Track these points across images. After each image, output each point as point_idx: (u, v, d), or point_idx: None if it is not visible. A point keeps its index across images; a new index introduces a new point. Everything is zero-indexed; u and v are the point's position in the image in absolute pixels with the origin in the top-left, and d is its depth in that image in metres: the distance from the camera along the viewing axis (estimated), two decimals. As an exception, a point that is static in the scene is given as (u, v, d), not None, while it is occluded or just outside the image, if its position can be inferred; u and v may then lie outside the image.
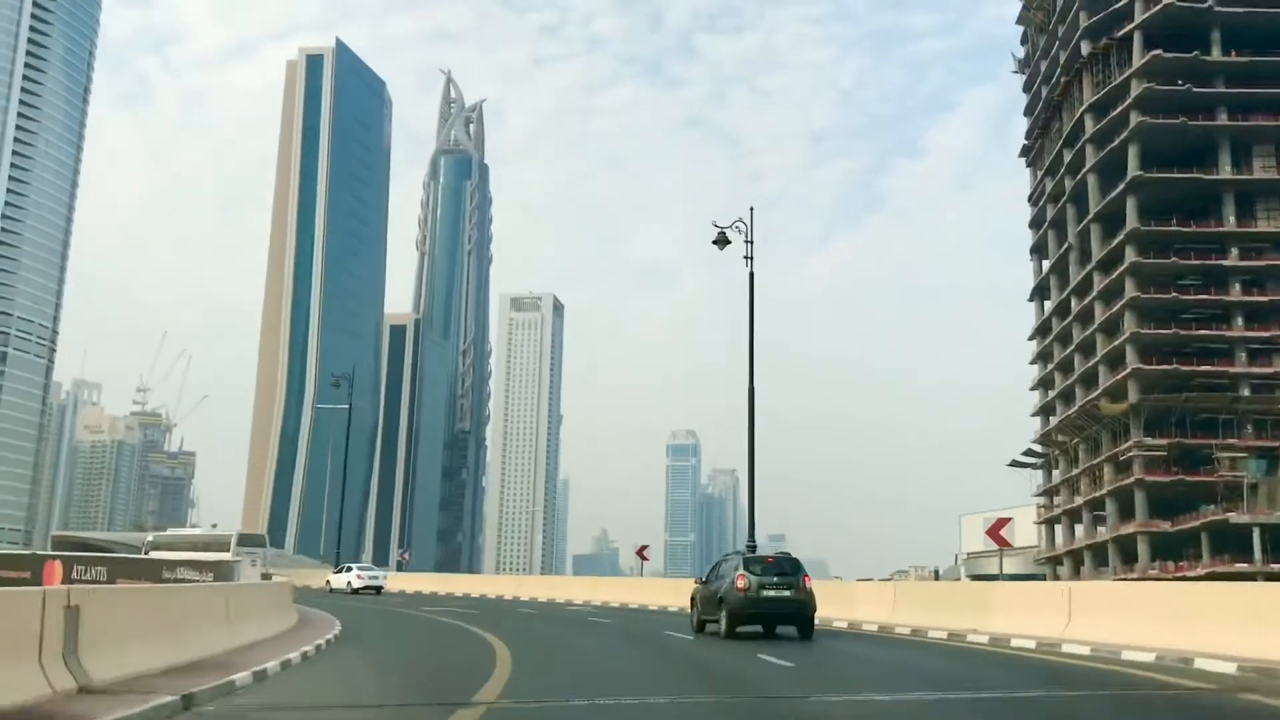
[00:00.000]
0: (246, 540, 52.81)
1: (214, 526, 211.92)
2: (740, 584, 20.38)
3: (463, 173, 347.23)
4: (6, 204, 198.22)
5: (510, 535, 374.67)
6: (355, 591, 46.82)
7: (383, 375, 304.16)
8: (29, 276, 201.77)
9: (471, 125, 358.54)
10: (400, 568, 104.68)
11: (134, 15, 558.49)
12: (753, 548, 27.75)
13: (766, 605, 20.54)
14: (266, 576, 42.87)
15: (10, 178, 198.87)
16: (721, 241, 29.79)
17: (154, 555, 50.55)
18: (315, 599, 34.27)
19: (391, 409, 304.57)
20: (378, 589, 47.41)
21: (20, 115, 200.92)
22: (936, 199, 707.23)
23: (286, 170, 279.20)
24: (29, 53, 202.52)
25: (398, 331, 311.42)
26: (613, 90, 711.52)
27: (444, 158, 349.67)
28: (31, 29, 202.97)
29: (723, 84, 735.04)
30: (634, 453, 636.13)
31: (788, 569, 21.02)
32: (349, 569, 50.08)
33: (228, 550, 48.58)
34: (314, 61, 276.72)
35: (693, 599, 23.56)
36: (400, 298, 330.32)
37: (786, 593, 20.50)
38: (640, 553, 49.97)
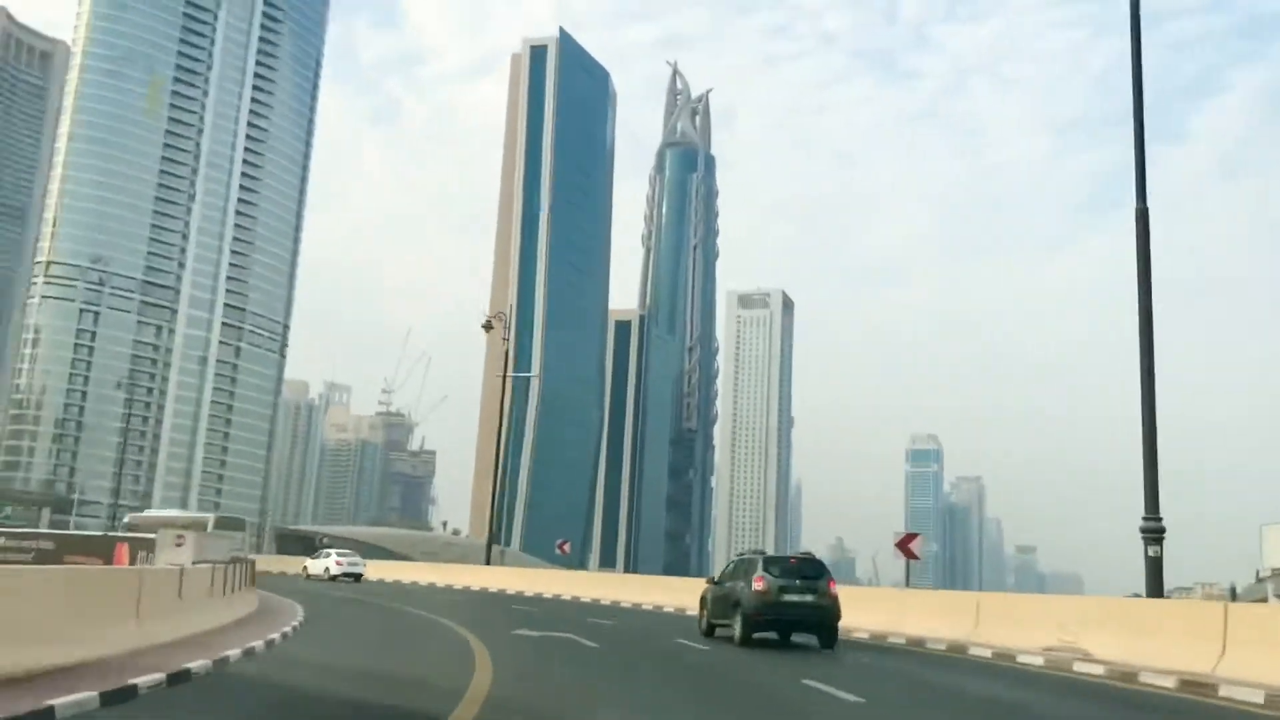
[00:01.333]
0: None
1: (444, 525, 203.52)
2: (759, 585, 18.64)
3: (689, 165, 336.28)
4: (238, 213, 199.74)
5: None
6: (334, 578, 45.68)
7: (608, 372, 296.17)
8: (261, 274, 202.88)
9: (698, 117, 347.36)
10: (582, 564, 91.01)
11: (383, 39, 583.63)
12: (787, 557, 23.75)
13: (787, 610, 18.75)
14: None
15: (242, 186, 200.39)
16: None
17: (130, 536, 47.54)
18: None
19: (617, 406, 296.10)
20: (356, 576, 46.61)
21: (250, 125, 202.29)
22: (1199, 188, 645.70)
23: (511, 164, 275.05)
24: (259, 61, 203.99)
25: (623, 328, 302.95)
26: (842, 85, 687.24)
27: (670, 150, 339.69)
28: (261, 40, 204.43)
29: (963, 75, 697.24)
30: (870, 457, 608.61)
31: (811, 571, 19.35)
32: (328, 554, 48.62)
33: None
34: (538, 52, 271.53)
35: (703, 599, 21.64)
36: (625, 294, 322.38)
37: (809, 597, 18.74)
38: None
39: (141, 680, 10.03)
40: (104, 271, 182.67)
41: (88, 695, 8.99)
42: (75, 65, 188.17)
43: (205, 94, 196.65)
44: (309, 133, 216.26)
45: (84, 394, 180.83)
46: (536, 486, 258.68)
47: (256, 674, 12.36)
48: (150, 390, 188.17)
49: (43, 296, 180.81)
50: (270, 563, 55.26)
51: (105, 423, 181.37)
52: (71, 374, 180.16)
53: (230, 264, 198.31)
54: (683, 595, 31.42)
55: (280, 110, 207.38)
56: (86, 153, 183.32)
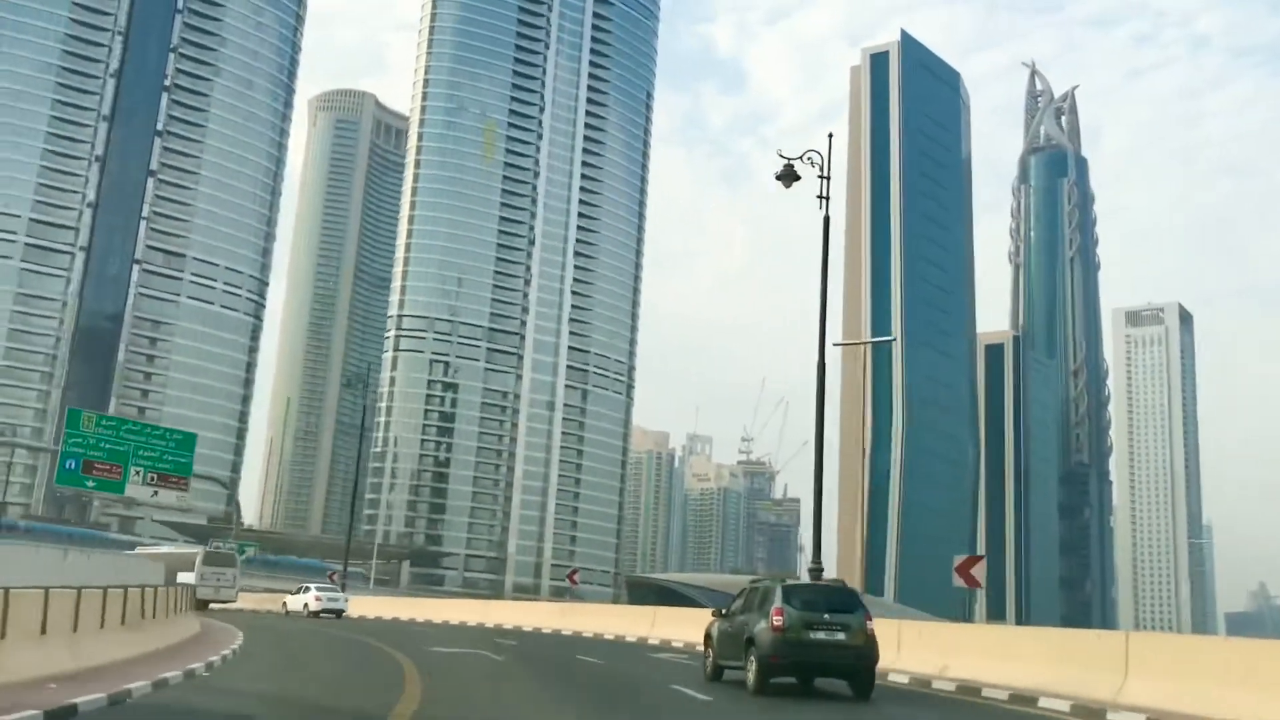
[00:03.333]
0: (214, 559, 45.04)
1: (810, 572, 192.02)
2: (777, 621, 15.02)
3: (1057, 169, 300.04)
4: (577, 254, 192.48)
5: (1149, 587, 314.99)
6: (314, 615, 42.97)
7: (980, 401, 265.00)
8: (603, 313, 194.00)
9: (1064, 116, 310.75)
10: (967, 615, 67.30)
11: (730, 103, 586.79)
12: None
13: (813, 652, 15.09)
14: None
15: (579, 227, 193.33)
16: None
17: None
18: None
19: (993, 438, 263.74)
20: (338, 613, 43.56)
21: (585, 164, 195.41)
22: None
23: (857, 187, 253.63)
24: (589, 100, 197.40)
25: (994, 351, 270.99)
26: (1222, 88, 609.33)
27: (1033, 157, 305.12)
28: (591, 80, 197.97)
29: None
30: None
31: (842, 603, 15.63)
32: (307, 589, 45.67)
33: (192, 568, 42.65)
34: (878, 60, 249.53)
35: (708, 636, 17.71)
36: (993, 315, 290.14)
37: (840, 635, 15.11)
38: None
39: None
40: (451, 321, 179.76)
41: None
42: (414, 124, 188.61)
43: (539, 136, 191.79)
44: (643, 171, 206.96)
45: (437, 444, 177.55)
46: (908, 529, 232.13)
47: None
48: (500, 438, 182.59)
49: (396, 350, 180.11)
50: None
51: (459, 472, 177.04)
52: (424, 425, 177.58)
53: (572, 305, 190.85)
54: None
55: (612, 153, 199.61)
56: (430, 204, 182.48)
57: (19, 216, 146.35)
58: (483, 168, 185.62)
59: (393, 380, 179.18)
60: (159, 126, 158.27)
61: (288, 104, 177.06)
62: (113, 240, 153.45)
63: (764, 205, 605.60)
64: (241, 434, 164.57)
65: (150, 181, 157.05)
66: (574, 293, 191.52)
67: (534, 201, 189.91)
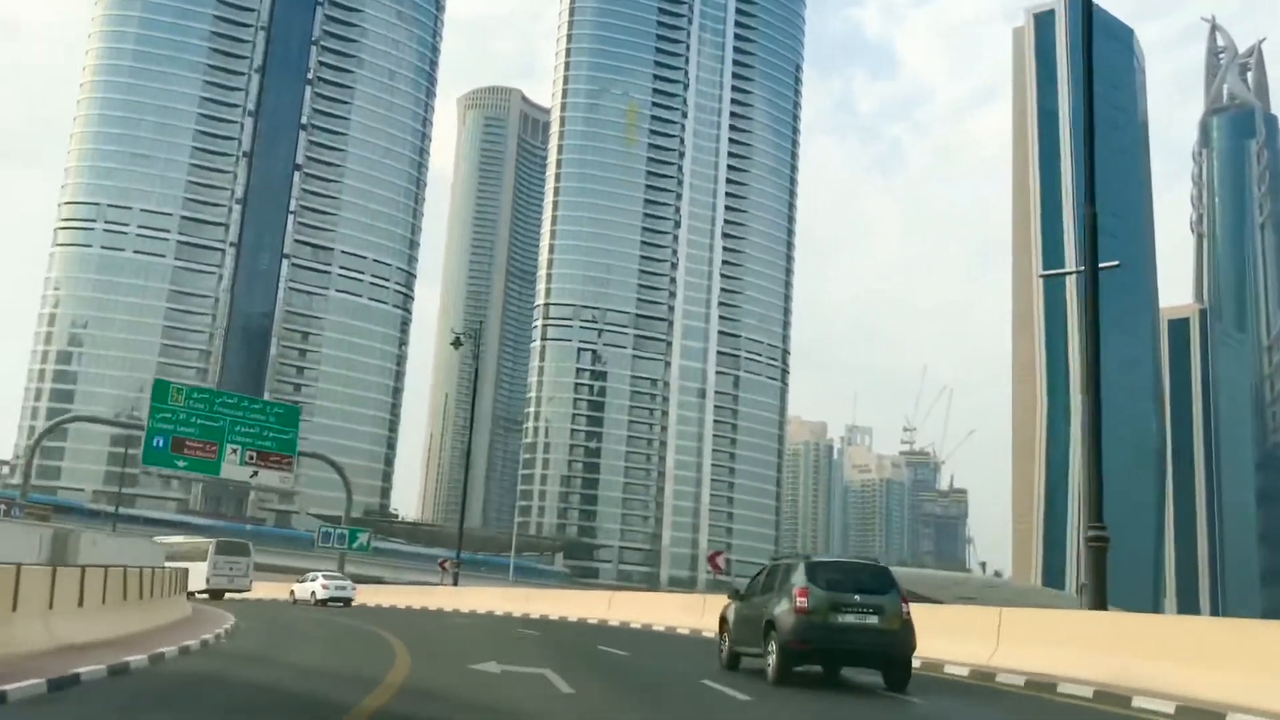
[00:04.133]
0: (227, 549, 42.22)
1: (983, 566, 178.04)
2: (801, 602, 13.28)
3: (1243, 130, 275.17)
4: (726, 234, 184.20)
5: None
6: (320, 603, 41.63)
7: (1165, 380, 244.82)
8: (754, 295, 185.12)
9: (1249, 73, 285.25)
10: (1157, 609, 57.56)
11: (881, 88, 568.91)
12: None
13: (841, 637, 13.25)
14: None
15: (727, 207, 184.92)
16: None
17: None
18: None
19: (1180, 421, 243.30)
20: (346, 601, 41.98)
21: (732, 140, 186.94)
22: None
23: (1024, 158, 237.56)
24: (735, 74, 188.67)
25: (1177, 327, 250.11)
26: None
27: (1216, 118, 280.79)
28: (736, 54, 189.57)
29: None
30: None
31: (874, 583, 13.69)
32: (314, 578, 43.80)
33: (204, 558, 40.67)
34: (1043, 20, 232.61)
35: (723, 621, 15.94)
36: (1176, 288, 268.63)
37: (872, 619, 13.27)
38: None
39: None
40: (598, 308, 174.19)
41: None
42: (555, 108, 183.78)
43: (684, 115, 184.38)
44: (793, 150, 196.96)
45: (587, 434, 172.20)
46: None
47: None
48: (651, 426, 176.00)
49: (544, 339, 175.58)
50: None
51: (610, 462, 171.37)
52: (574, 414, 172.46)
53: (721, 289, 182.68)
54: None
55: (760, 129, 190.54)
56: (573, 190, 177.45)
57: (171, 215, 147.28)
58: (626, 150, 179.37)
59: (541, 371, 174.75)
60: (303, 120, 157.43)
61: (430, 94, 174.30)
62: (262, 235, 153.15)
63: (919, 191, 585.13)
64: (394, 426, 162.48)
65: (296, 175, 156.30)
66: (723, 275, 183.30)
67: (679, 183, 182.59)
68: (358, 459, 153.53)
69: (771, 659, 13.54)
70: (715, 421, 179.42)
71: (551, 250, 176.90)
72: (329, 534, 49.26)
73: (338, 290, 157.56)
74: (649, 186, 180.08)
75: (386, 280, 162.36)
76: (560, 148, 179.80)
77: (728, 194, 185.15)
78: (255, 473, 46.92)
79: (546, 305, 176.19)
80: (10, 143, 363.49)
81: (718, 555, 39.98)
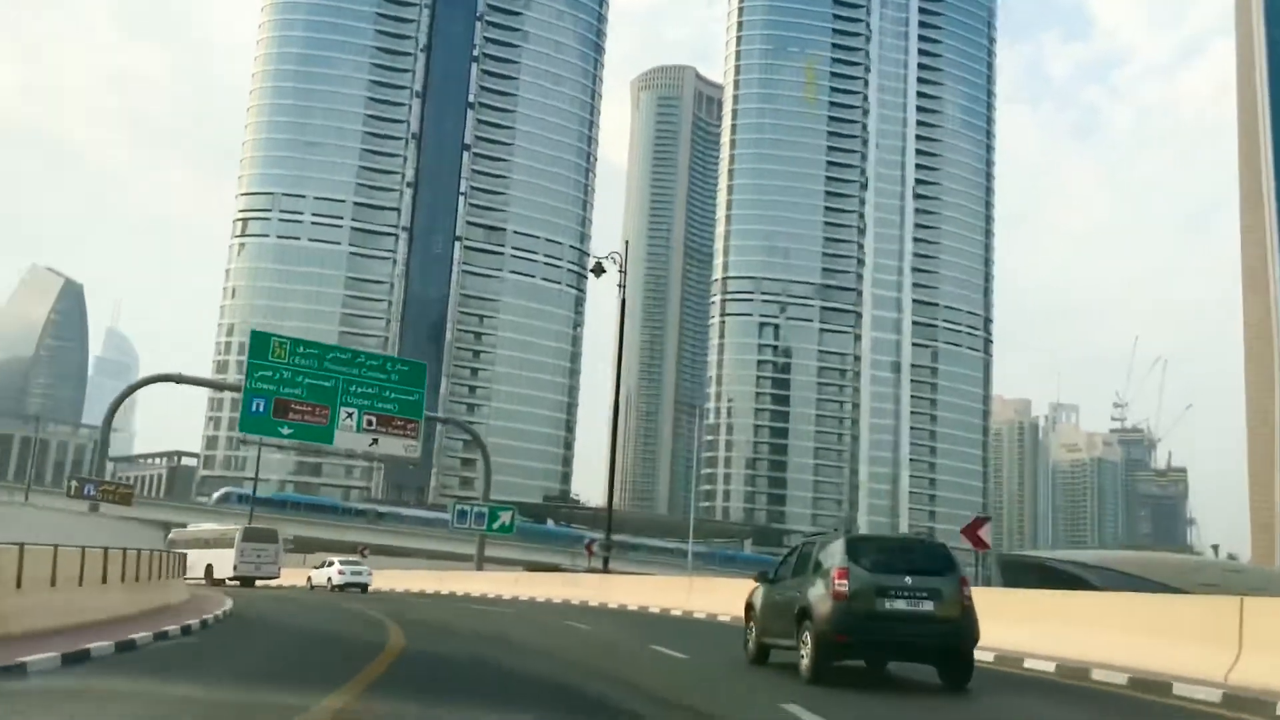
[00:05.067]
0: (254, 534, 41.86)
1: (1214, 549, 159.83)
2: (840, 585, 10.86)
3: None
4: (917, 194, 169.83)
5: None
6: (337, 589, 39.56)
7: None
8: (950, 260, 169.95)
9: None
10: None
11: (1075, 50, 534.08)
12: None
13: (888, 627, 10.88)
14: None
15: (918, 165, 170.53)
16: None
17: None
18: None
19: None
20: (363, 586, 39.92)
21: (920, 94, 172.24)
22: None
23: (1252, 112, 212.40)
24: (922, 22, 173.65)
25: None
26: None
27: None
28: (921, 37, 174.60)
29: None
30: None
31: (928, 563, 11.40)
32: (331, 564, 42.23)
33: (231, 545, 40.53)
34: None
35: (749, 608, 13.43)
36: None
37: (927, 605, 10.93)
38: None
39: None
40: (780, 280, 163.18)
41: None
42: (729, 71, 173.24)
43: (866, 70, 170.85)
44: (988, 108, 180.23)
45: (773, 413, 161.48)
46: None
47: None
48: (842, 405, 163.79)
49: (722, 316, 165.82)
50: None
51: (799, 443, 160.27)
52: (758, 393, 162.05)
53: (914, 255, 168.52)
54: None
55: (952, 80, 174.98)
56: (750, 156, 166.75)
57: (344, 201, 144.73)
58: (805, 110, 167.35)
59: (721, 349, 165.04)
60: (470, 99, 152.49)
61: (598, 65, 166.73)
62: (434, 218, 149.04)
63: (1120, 157, 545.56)
64: (572, 409, 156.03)
65: (465, 156, 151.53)
66: (916, 240, 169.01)
67: (864, 142, 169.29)
68: (537, 443, 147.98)
69: (805, 653, 11.05)
70: (913, 398, 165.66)
71: (728, 221, 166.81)
72: (464, 513, 40.94)
73: (511, 271, 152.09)
74: (831, 148, 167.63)
75: (560, 260, 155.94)
76: (735, 113, 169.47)
77: (918, 151, 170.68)
78: (375, 440, 39.07)
79: (724, 280, 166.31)
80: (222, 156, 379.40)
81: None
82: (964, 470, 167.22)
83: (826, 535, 12.44)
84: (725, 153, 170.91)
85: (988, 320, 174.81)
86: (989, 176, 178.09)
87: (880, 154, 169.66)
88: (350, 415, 38.69)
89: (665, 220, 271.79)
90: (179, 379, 36.18)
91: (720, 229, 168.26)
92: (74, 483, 34.73)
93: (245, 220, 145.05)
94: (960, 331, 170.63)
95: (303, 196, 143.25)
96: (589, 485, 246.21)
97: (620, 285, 32.27)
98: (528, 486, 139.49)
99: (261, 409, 37.26)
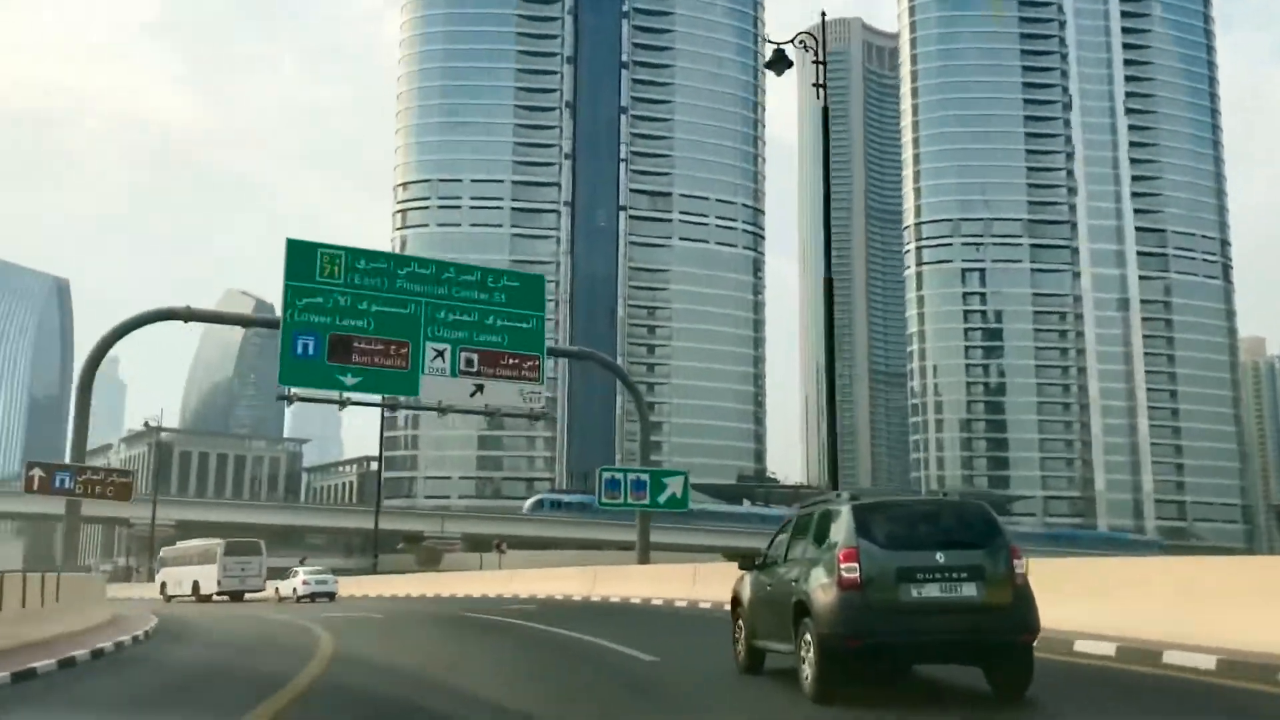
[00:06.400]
0: (236, 549, 40.92)
1: None
2: (849, 570, 7.92)
3: None
4: (1130, 109, 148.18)
5: None
6: (301, 599, 37.56)
7: None
8: (1174, 179, 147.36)
9: None
10: None
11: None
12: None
13: (918, 624, 7.91)
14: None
15: (1128, 77, 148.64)
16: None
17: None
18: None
19: None
20: (329, 595, 38.36)
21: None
22: None
23: None
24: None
25: None
26: None
27: None
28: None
29: None
30: None
31: (963, 532, 8.24)
32: (295, 574, 40.74)
33: (214, 560, 40.15)
34: None
35: (735, 602, 10.56)
36: None
37: (967, 589, 7.96)
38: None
39: None
40: (980, 219, 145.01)
41: None
42: (903, 5, 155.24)
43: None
44: (1205, 7, 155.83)
45: (984, 368, 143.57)
46: None
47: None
48: (1064, 351, 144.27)
49: (918, 266, 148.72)
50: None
51: (1018, 399, 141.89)
52: (966, 347, 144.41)
53: (1132, 177, 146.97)
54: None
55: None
56: (935, 87, 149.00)
57: (502, 181, 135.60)
58: (992, 30, 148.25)
59: (920, 302, 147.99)
60: (624, 58, 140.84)
61: (757, 22, 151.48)
62: (595, 190, 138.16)
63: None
64: (759, 381, 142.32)
65: (623, 120, 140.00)
66: (1133, 160, 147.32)
67: (1063, 57, 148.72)
68: (726, 420, 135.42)
69: (807, 663, 8.12)
70: (1145, 337, 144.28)
71: (916, 161, 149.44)
72: (616, 482, 27.70)
73: (681, 239, 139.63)
74: (1026, 68, 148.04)
75: (733, 221, 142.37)
76: (914, 42, 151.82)
77: (1126, 61, 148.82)
78: (478, 389, 26.97)
79: (917, 226, 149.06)
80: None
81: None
82: (1212, 415, 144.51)
83: (827, 500, 8.83)
84: (906, 87, 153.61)
85: (1224, 243, 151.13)
86: (1212, 80, 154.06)
87: (1082, 68, 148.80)
88: (441, 353, 26.66)
89: (843, 182, 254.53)
90: (186, 313, 24.81)
91: (908, 170, 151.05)
92: (38, 472, 23.83)
93: (404, 211, 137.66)
94: (1194, 259, 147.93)
95: (459, 180, 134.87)
96: (782, 463, 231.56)
97: (818, 85, 19.03)
98: (720, 467, 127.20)
99: (310, 350, 25.56)
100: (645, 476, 27.98)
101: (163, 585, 44.68)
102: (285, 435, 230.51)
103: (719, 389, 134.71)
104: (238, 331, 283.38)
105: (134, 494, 24.66)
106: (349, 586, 44.29)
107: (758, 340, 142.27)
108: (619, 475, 27.97)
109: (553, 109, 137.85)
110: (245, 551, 40.83)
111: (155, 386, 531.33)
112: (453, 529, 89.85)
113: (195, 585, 40.41)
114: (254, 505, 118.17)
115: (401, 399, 27.25)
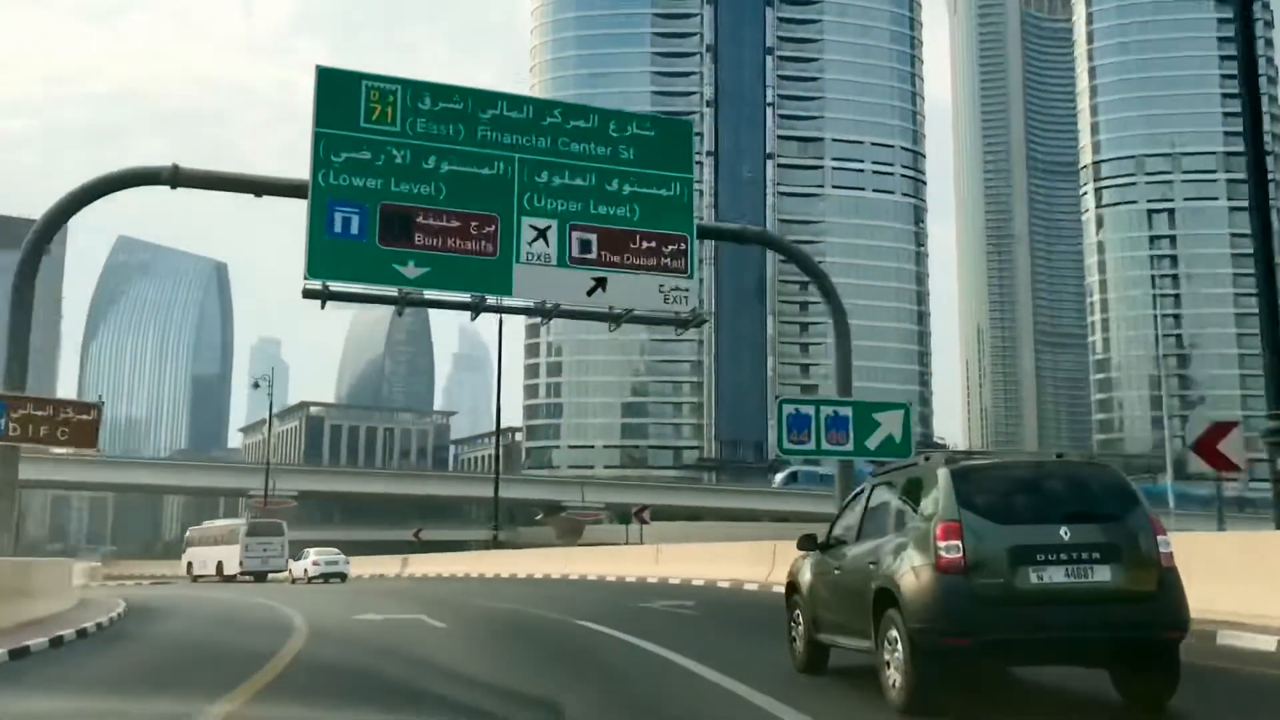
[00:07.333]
0: (258, 530, 40.80)
1: None
2: (949, 550, 5.99)
3: None
4: None
5: None
6: (313, 580, 36.48)
7: None
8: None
9: None
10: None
11: None
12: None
13: (1039, 617, 5.93)
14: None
15: None
16: None
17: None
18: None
19: None
20: (341, 576, 36.99)
21: None
22: None
23: None
24: None
25: None
26: None
27: None
28: None
29: None
30: None
31: (1090, 500, 6.28)
32: (306, 554, 38.87)
33: (236, 541, 40.07)
34: None
35: (791, 588, 8.45)
36: None
37: (1100, 572, 5.98)
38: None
39: None
40: (1169, 154, 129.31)
41: None
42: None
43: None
44: None
45: (1175, 318, 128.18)
46: None
47: None
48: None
49: (1097, 207, 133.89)
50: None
51: (1217, 351, 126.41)
52: (1155, 295, 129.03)
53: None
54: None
55: None
56: (1112, 12, 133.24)
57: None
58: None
59: (1100, 248, 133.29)
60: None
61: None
62: (740, 138, 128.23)
63: None
64: (924, 339, 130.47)
65: (769, 61, 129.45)
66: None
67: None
68: (889, 381, 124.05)
69: (892, 665, 6.35)
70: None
71: (1093, 94, 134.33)
72: (804, 421, 17.27)
73: (834, 187, 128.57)
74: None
75: (890, 165, 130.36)
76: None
77: None
78: (598, 283, 18.13)
79: (1095, 164, 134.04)
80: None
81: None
82: None
83: (914, 464, 7.00)
84: (1081, 12, 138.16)
85: None
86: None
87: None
88: (543, 232, 18.09)
89: (1001, 137, 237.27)
90: (172, 174, 16.82)
91: (1084, 103, 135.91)
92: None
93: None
94: None
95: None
96: (943, 430, 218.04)
97: None
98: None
99: (354, 228, 17.22)
100: (847, 411, 18.87)
101: (189, 565, 44.06)
102: (435, 408, 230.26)
103: (881, 348, 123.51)
104: (386, 310, 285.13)
105: (97, 440, 16.95)
106: (445, 564, 38.47)
107: (920, 295, 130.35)
108: (809, 410, 18.86)
109: (693, 54, 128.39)
110: (267, 532, 40.14)
111: (315, 366, 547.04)
112: (593, 498, 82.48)
113: (219, 565, 40.09)
114: (376, 474, 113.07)
115: (488, 298, 18.51)
